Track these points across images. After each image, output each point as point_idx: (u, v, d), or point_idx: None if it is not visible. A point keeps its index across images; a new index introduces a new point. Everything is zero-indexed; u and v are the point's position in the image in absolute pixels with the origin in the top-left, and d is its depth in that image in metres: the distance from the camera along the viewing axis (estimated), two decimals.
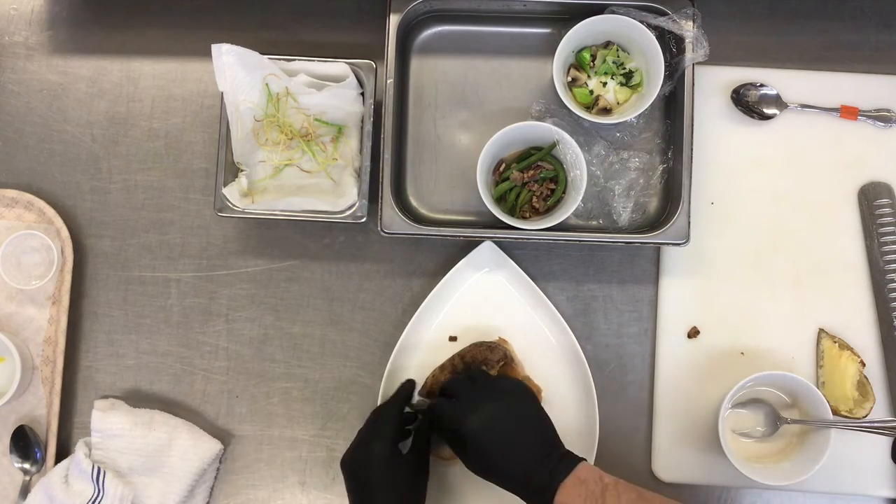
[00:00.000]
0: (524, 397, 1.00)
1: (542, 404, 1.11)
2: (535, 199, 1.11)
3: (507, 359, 1.10)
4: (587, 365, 1.11)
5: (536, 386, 1.11)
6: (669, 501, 0.90)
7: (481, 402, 0.98)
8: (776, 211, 1.15)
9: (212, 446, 1.12)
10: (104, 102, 1.20)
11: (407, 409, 1.06)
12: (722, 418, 1.05)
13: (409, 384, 1.08)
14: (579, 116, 1.10)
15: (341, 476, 1.12)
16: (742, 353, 1.13)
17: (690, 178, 1.09)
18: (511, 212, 1.11)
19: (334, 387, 1.15)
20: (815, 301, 1.13)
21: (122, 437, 1.10)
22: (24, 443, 1.13)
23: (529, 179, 1.11)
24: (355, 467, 0.99)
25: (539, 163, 1.12)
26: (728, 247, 1.14)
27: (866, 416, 1.08)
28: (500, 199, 1.12)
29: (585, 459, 0.94)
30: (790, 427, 1.09)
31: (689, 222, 1.08)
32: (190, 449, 1.10)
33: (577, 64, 1.13)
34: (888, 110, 1.15)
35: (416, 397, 1.12)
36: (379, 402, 1.10)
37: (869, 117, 1.15)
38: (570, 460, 0.93)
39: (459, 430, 0.96)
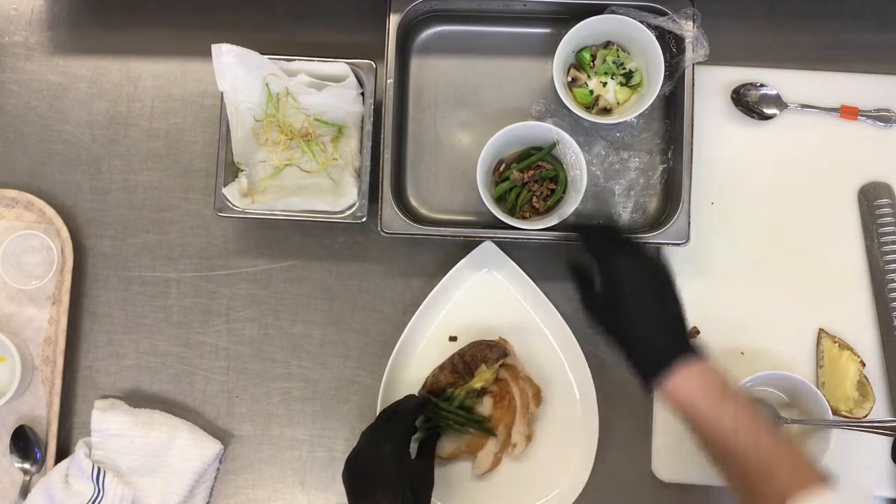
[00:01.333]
0: (669, 276, 0.98)
1: (542, 404, 1.11)
2: (535, 199, 1.11)
3: (506, 357, 1.10)
4: (587, 365, 1.11)
5: (536, 386, 1.11)
6: (770, 428, 0.88)
7: (633, 265, 0.96)
8: (776, 211, 1.15)
9: (212, 446, 1.12)
10: (104, 102, 1.20)
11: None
12: None
13: (425, 402, 1.07)
14: (579, 116, 1.10)
15: (341, 476, 1.13)
16: (742, 353, 1.13)
17: (690, 178, 1.09)
18: (511, 212, 1.11)
19: (334, 387, 1.15)
20: (815, 301, 1.13)
21: (122, 437, 1.10)
22: (24, 443, 1.13)
23: (529, 179, 1.11)
24: (361, 465, 0.98)
25: (539, 163, 1.12)
26: (728, 247, 1.14)
27: (866, 416, 1.08)
28: (500, 199, 1.12)
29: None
30: (790, 427, 1.09)
31: (689, 222, 1.08)
32: (190, 449, 1.10)
33: (577, 64, 1.13)
34: (888, 110, 1.15)
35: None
36: (379, 403, 1.10)
37: (869, 117, 1.15)
38: (698, 350, 0.91)
39: (610, 278, 0.95)
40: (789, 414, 1.09)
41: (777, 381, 1.08)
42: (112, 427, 1.10)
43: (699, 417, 0.88)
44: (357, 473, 0.98)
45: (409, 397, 1.07)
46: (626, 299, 0.94)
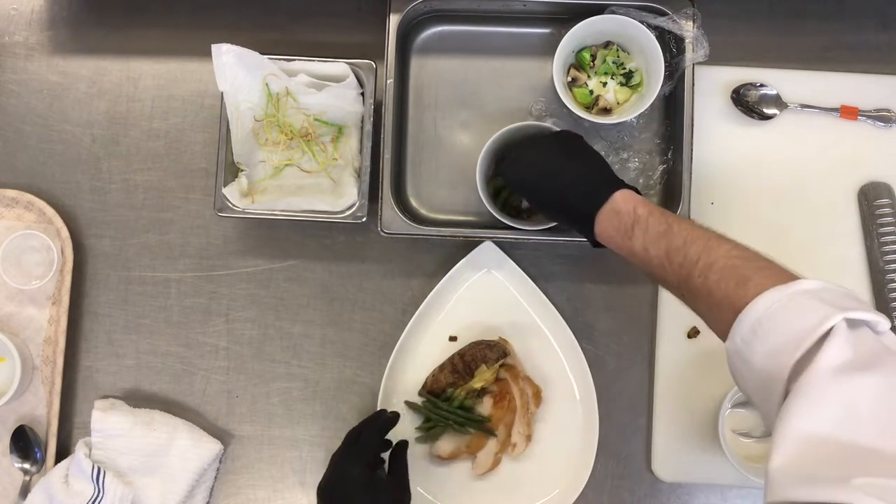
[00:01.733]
0: (568, 138, 1.01)
1: (542, 404, 1.11)
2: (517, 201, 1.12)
3: (506, 357, 1.10)
4: (587, 365, 1.11)
5: (536, 386, 1.11)
6: (696, 234, 0.85)
7: (528, 152, 1.00)
8: (776, 211, 1.15)
9: (212, 446, 1.12)
10: (104, 102, 1.20)
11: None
12: (722, 418, 1.05)
13: (394, 417, 1.04)
14: (579, 116, 1.10)
15: None
16: None
17: (690, 178, 1.09)
18: (504, 208, 1.11)
19: (334, 387, 1.15)
20: None
21: (122, 437, 1.10)
22: (24, 443, 1.13)
23: None
24: (333, 492, 0.96)
25: None
26: None
27: None
28: (496, 196, 1.12)
29: (633, 188, 0.93)
30: None
31: None
32: (190, 449, 1.10)
33: (577, 64, 1.13)
34: (888, 110, 1.15)
35: (417, 397, 1.12)
36: (379, 403, 1.10)
37: (869, 117, 1.15)
38: (609, 188, 0.92)
39: (514, 180, 1.01)
40: None
41: None
42: (112, 427, 1.10)
43: (622, 252, 0.91)
44: (332, 501, 0.96)
45: (379, 413, 1.05)
46: (540, 191, 0.98)
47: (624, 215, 0.90)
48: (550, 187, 0.96)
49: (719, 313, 0.78)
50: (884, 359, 0.67)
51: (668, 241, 0.86)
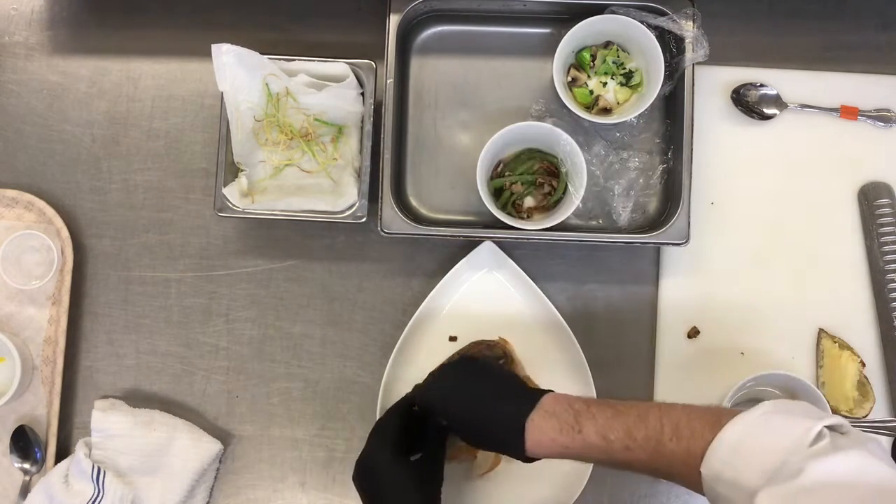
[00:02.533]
0: (474, 360, 1.00)
1: None
2: (519, 200, 1.12)
3: (506, 357, 1.10)
4: (587, 365, 1.10)
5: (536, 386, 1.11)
6: (645, 406, 0.84)
7: (441, 377, 0.97)
8: (776, 211, 1.15)
9: (212, 446, 1.12)
10: (104, 102, 1.20)
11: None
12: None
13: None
14: (579, 116, 1.10)
15: (341, 476, 1.13)
16: (742, 353, 1.13)
17: (690, 178, 1.09)
18: (505, 208, 1.11)
19: (334, 387, 1.15)
20: (815, 301, 1.13)
21: (122, 437, 1.10)
22: (24, 443, 1.13)
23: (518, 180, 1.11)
24: (363, 480, 0.96)
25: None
26: (728, 247, 1.14)
27: (866, 416, 1.08)
28: (496, 195, 1.12)
29: (551, 391, 0.89)
30: None
31: (689, 222, 1.08)
32: (190, 449, 1.10)
33: (577, 64, 1.13)
34: (888, 110, 1.15)
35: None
36: (379, 403, 1.10)
37: (869, 117, 1.15)
38: (533, 395, 0.88)
39: (432, 411, 0.95)
40: None
41: (777, 381, 1.08)
42: (112, 427, 1.10)
43: (571, 453, 0.85)
44: (361, 490, 0.96)
45: (410, 396, 1.04)
46: (460, 419, 0.93)
47: (562, 414, 0.85)
48: (468, 406, 0.92)
49: (694, 450, 0.79)
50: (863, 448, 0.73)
51: (623, 421, 0.83)
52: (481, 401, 0.92)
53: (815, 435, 0.73)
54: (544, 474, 1.11)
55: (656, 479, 1.11)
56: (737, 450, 0.76)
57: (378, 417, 1.06)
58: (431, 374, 1.00)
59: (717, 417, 0.79)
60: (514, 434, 0.86)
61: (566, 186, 1.11)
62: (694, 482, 0.79)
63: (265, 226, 1.17)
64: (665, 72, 1.08)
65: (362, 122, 1.12)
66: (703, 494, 0.79)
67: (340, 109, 1.11)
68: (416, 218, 1.13)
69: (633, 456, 0.82)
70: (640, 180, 1.13)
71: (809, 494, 0.69)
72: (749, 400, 1.10)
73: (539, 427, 0.86)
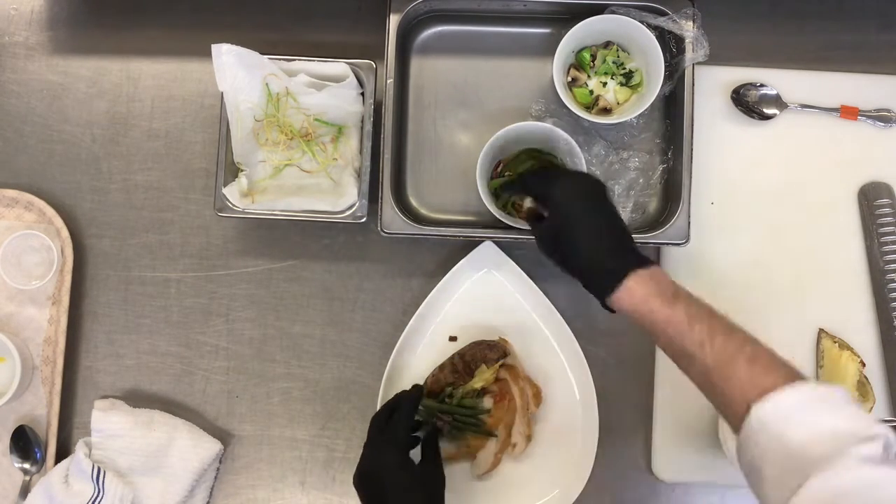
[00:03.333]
0: (599, 194, 0.97)
1: (542, 404, 1.11)
2: (519, 200, 1.11)
3: (506, 357, 1.10)
4: (587, 365, 1.11)
5: (536, 386, 1.11)
6: (738, 326, 0.85)
7: (562, 196, 0.96)
8: (776, 211, 1.15)
9: (212, 446, 1.12)
10: (104, 102, 1.20)
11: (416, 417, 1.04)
12: (722, 418, 1.05)
13: (417, 391, 1.04)
14: (579, 116, 1.10)
15: (341, 476, 1.13)
16: None
17: (690, 178, 1.09)
18: (505, 208, 1.11)
19: (334, 387, 1.15)
20: (815, 301, 1.13)
21: (122, 437, 1.10)
22: (24, 443, 1.13)
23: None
24: (368, 480, 0.96)
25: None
26: (728, 247, 1.14)
27: None
28: (496, 195, 1.12)
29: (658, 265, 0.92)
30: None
31: (689, 222, 1.08)
32: (190, 449, 1.11)
33: (577, 64, 1.13)
34: (888, 110, 1.15)
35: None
36: (379, 403, 1.10)
37: (869, 117, 1.15)
38: (645, 258, 0.91)
39: (551, 211, 0.96)
40: None
41: None
42: (112, 427, 1.10)
43: (654, 318, 0.86)
44: (365, 490, 0.96)
45: (400, 395, 1.04)
46: (567, 231, 0.93)
47: (663, 283, 0.88)
48: (590, 227, 0.93)
49: (759, 385, 0.79)
50: None
51: (713, 321, 0.85)
52: (600, 232, 0.93)
53: (873, 436, 0.73)
54: (544, 474, 1.11)
55: (656, 481, 1.11)
56: (803, 409, 0.76)
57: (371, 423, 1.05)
58: (534, 183, 1.01)
59: (795, 373, 0.80)
60: (612, 277, 0.89)
61: None
62: (736, 415, 0.80)
63: (265, 226, 1.17)
64: (665, 72, 1.08)
65: (362, 122, 1.12)
66: (735, 432, 0.80)
67: (340, 109, 1.11)
68: (416, 218, 1.13)
69: (703, 354, 0.83)
70: (640, 180, 1.13)
71: (858, 497, 0.69)
72: None
73: (639, 282, 0.88)
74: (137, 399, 1.15)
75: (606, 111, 1.12)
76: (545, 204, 0.98)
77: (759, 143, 1.15)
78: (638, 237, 1.09)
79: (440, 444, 1.09)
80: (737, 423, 0.80)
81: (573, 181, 0.98)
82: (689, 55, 1.08)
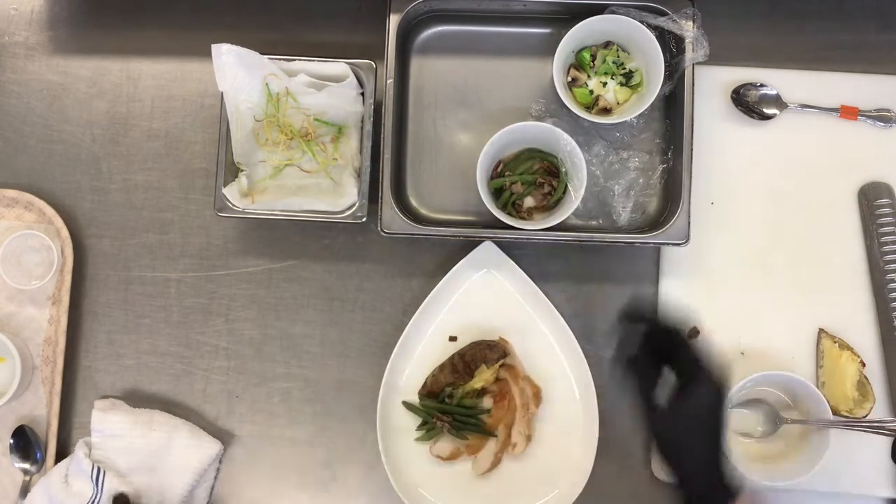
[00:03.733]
0: (723, 401, 0.93)
1: (542, 404, 1.11)
2: (519, 200, 1.11)
3: (506, 357, 1.10)
4: (587, 365, 1.10)
5: (536, 386, 1.11)
6: None
7: (698, 386, 0.92)
8: (776, 211, 1.15)
9: (212, 446, 1.12)
10: (104, 102, 1.20)
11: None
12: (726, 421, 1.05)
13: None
14: (579, 116, 1.10)
15: (341, 476, 1.13)
16: (742, 353, 1.13)
17: (690, 178, 1.09)
18: (505, 208, 1.11)
19: (334, 387, 1.15)
20: (815, 301, 1.13)
21: (122, 437, 1.10)
22: (24, 443, 1.13)
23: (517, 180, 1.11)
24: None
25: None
26: (728, 247, 1.14)
27: (866, 416, 1.08)
28: (496, 196, 1.12)
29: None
30: (790, 427, 1.09)
31: (689, 222, 1.08)
32: (190, 449, 1.11)
33: (577, 64, 1.13)
34: (888, 110, 1.15)
35: (417, 398, 1.12)
36: (379, 403, 1.10)
37: (869, 117, 1.15)
38: (739, 486, 0.90)
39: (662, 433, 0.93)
40: (790, 414, 1.09)
41: (777, 381, 1.09)
42: (112, 427, 1.10)
43: None
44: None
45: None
46: (685, 430, 0.91)
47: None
48: (698, 458, 0.90)
49: None
50: None
51: None
52: (720, 451, 0.90)
53: None
54: (544, 474, 1.11)
55: (656, 481, 1.11)
56: None
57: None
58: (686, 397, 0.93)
59: None
60: (725, 495, 0.88)
61: (566, 186, 1.11)
62: None
63: (265, 226, 1.17)
64: (665, 72, 1.08)
65: (362, 122, 1.12)
66: None
67: (340, 109, 1.11)
68: (416, 218, 1.13)
69: None
70: (640, 180, 1.13)
71: None
72: (749, 400, 1.10)
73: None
74: (137, 399, 1.15)
75: (606, 111, 1.12)
76: (670, 373, 0.94)
77: (759, 143, 1.15)
78: (638, 237, 1.09)
79: (441, 443, 1.10)
80: None
81: (708, 393, 0.92)
82: (689, 55, 1.08)
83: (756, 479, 1.04)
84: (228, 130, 1.09)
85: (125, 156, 1.19)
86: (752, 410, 1.10)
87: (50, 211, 1.15)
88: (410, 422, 1.12)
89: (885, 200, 1.13)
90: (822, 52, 1.17)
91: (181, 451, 1.10)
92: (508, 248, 1.13)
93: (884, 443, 1.10)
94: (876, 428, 1.04)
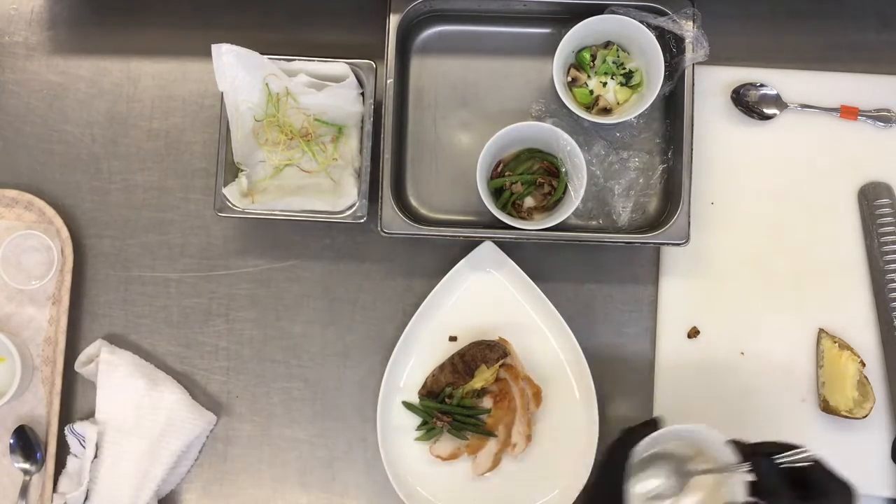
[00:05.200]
0: None
1: (542, 404, 1.11)
2: (519, 200, 1.11)
3: (506, 357, 1.10)
4: (587, 365, 1.11)
5: (536, 386, 1.11)
6: None
7: None
8: (776, 211, 1.15)
9: (205, 415, 1.13)
10: (104, 102, 1.20)
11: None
12: (630, 493, 0.92)
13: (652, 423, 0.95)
14: (579, 116, 1.10)
15: (341, 476, 1.13)
16: (742, 353, 1.13)
17: (690, 178, 1.09)
18: (505, 208, 1.11)
19: (334, 387, 1.15)
20: (815, 301, 1.13)
21: (125, 381, 1.11)
22: (24, 443, 1.13)
23: (517, 180, 1.11)
24: None
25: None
26: (728, 247, 1.14)
27: (866, 416, 1.08)
28: (496, 196, 1.12)
29: None
30: (701, 479, 0.97)
31: (689, 222, 1.08)
32: (184, 409, 1.12)
33: (577, 64, 1.13)
34: (888, 110, 1.15)
35: (417, 398, 1.12)
36: (379, 403, 1.10)
37: (869, 117, 1.15)
38: None
39: None
40: (697, 465, 0.98)
41: (678, 435, 0.96)
42: (118, 367, 1.11)
43: None
44: None
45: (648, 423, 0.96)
46: None
47: None
48: None
49: None
50: None
51: None
52: None
53: None
54: (544, 474, 1.11)
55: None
56: None
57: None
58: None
59: None
60: None
61: (566, 186, 1.11)
62: None
63: (265, 226, 1.17)
64: (665, 72, 1.08)
65: (362, 122, 1.12)
66: None
67: (340, 109, 1.11)
68: (416, 218, 1.13)
69: None
70: (640, 180, 1.13)
71: None
72: (651, 456, 0.98)
73: None
74: None
75: (606, 111, 1.12)
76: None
77: (759, 143, 1.15)
78: (638, 237, 1.09)
79: (441, 442, 1.10)
80: None
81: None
82: (689, 55, 1.08)
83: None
84: (228, 130, 1.09)
85: (125, 156, 1.19)
86: (655, 469, 0.99)
87: (50, 211, 1.15)
88: (410, 422, 1.12)
89: (885, 200, 1.13)
90: (822, 52, 1.17)
91: (175, 413, 1.11)
92: (508, 248, 1.13)
93: (884, 443, 1.10)
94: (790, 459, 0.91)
